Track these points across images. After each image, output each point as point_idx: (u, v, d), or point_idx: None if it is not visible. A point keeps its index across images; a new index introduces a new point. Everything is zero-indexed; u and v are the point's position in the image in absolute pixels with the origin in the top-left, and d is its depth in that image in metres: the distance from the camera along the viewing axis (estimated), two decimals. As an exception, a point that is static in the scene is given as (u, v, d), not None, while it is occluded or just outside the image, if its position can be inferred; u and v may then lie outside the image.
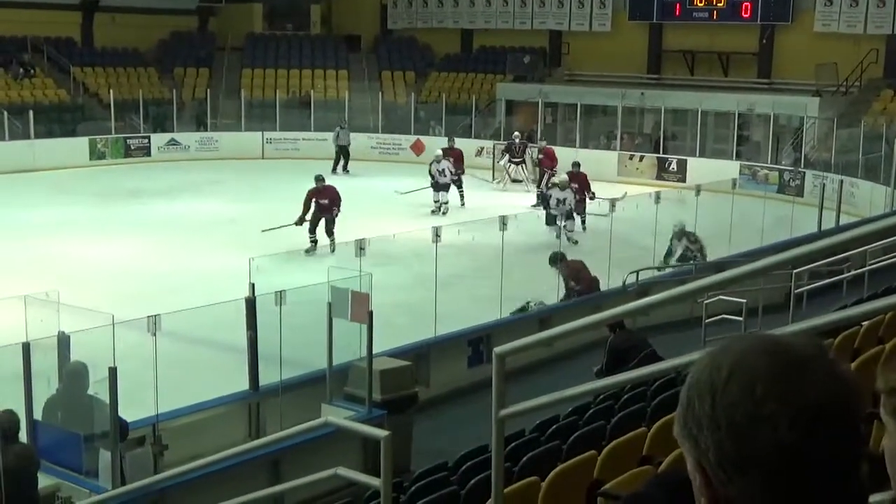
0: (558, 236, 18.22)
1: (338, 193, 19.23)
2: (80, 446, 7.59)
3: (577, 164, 22.61)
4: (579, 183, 21.22)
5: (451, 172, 23.18)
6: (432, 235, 12.38)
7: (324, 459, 7.72)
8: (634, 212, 16.51)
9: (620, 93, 30.95)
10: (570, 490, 5.28)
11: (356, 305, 9.15)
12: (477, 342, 12.01)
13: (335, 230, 18.57)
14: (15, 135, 30.00)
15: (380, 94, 35.22)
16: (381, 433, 4.69)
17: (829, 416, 1.26)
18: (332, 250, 16.83)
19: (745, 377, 1.28)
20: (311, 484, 6.11)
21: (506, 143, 29.16)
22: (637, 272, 14.38)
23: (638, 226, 16.90)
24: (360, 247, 11.14)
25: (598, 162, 29.47)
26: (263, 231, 18.01)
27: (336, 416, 7.49)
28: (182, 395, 9.62)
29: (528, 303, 13.70)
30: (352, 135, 31.51)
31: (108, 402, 7.55)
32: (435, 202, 23.16)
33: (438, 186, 23.23)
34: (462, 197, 24.34)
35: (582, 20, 34.87)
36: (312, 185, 19.49)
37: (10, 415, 7.05)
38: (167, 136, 32.74)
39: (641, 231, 16.86)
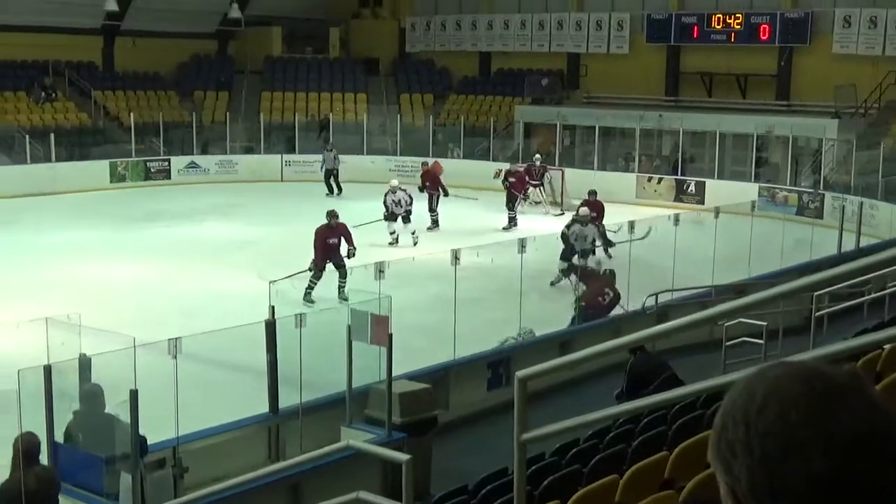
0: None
1: (348, 231, 17.38)
2: (101, 468, 7.61)
3: (593, 193, 21.65)
4: (598, 211, 20.46)
5: (406, 203, 21.68)
6: (451, 258, 12.39)
7: (343, 482, 7.72)
8: (653, 233, 16.49)
9: (638, 115, 30.98)
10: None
11: (376, 328, 9.16)
12: (496, 365, 11.99)
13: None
14: (36, 158, 30.24)
15: (398, 116, 35.34)
16: (402, 457, 4.69)
17: (864, 445, 1.25)
18: (344, 298, 14.86)
19: (780, 404, 1.28)
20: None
21: (525, 165, 29.20)
22: (656, 295, 14.34)
23: (657, 248, 16.87)
24: (380, 269, 11.17)
25: (616, 184, 29.50)
26: (272, 282, 16.84)
27: (356, 438, 7.49)
28: (202, 417, 9.65)
29: (507, 339, 13.37)
30: (371, 157, 31.65)
31: (127, 422, 7.58)
32: (391, 233, 21.47)
33: (391, 217, 21.64)
34: (435, 221, 24.16)
35: (600, 42, 34.94)
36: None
37: (31, 436, 7.07)
38: (187, 159, 32.95)
39: (660, 253, 16.83)
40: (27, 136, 30.39)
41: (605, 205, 21.45)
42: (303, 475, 8.09)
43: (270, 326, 9.45)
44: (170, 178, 32.51)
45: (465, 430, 10.94)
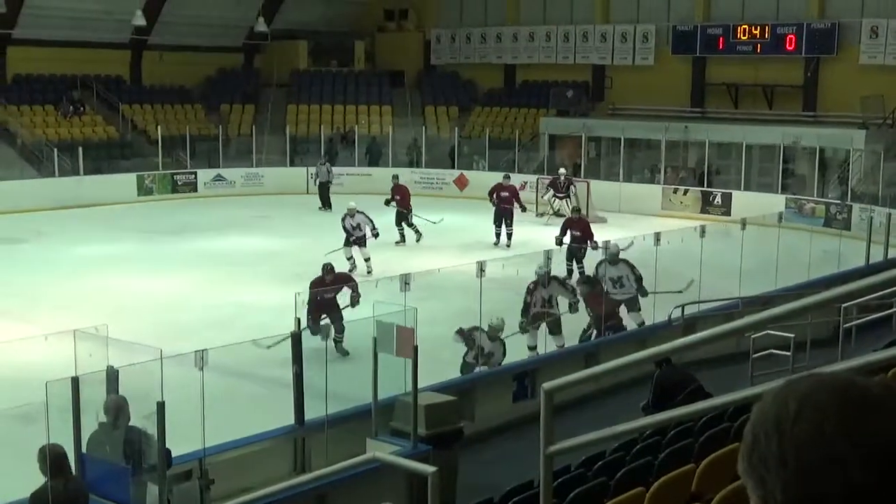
0: None
1: (350, 278, 15.52)
2: (128, 480, 7.64)
3: (577, 210, 21.68)
4: (583, 231, 19.51)
5: (368, 227, 20.37)
6: (476, 270, 12.39)
7: (369, 495, 7.74)
8: (679, 245, 16.42)
9: (664, 126, 30.91)
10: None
11: (401, 340, 9.16)
12: (522, 377, 11.97)
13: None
14: (64, 171, 30.50)
15: (423, 128, 35.41)
16: (428, 469, 4.68)
17: None
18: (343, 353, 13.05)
19: (814, 415, 1.26)
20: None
21: (550, 178, 29.20)
22: (682, 306, 14.28)
23: (683, 259, 16.79)
24: (405, 281, 11.17)
25: (641, 196, 29.47)
26: (269, 347, 16.03)
27: (381, 450, 7.49)
28: (228, 429, 9.68)
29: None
30: (396, 171, 31.64)
31: (153, 434, 7.60)
32: (348, 259, 20.03)
33: (355, 241, 20.39)
34: (418, 233, 23.83)
35: (625, 54, 34.91)
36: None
37: (57, 447, 7.11)
38: (213, 172, 33.14)
39: (687, 264, 16.75)
40: (55, 150, 30.65)
41: (631, 217, 21.43)
42: (329, 487, 8.09)
43: (296, 338, 9.47)
44: (196, 191, 32.71)
45: (490, 442, 10.92)
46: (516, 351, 13.27)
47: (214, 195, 32.17)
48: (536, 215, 27.70)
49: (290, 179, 32.50)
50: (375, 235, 20.35)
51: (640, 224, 24.04)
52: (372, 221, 20.51)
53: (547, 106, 35.38)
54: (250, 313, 16.45)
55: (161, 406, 7.40)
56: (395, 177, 25.64)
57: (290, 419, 9.75)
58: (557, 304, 14.46)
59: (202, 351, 8.39)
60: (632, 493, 5.61)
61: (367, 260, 20.12)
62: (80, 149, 30.77)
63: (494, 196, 23.91)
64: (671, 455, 6.87)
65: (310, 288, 14.15)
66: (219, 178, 33.17)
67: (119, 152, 33.34)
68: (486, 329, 12.73)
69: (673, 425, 7.80)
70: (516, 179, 28.88)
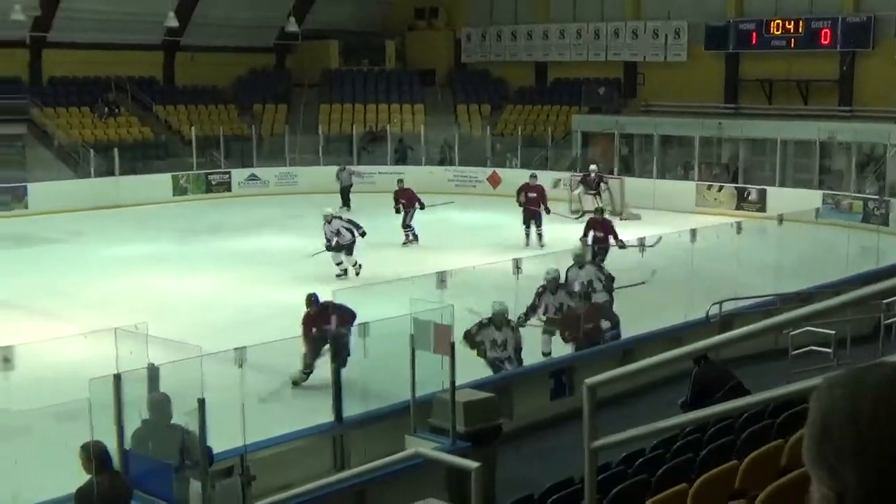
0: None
1: (348, 312, 12.19)
2: (171, 476, 7.71)
3: (600, 210, 20.90)
4: (606, 231, 19.27)
5: (349, 231, 19.86)
6: (513, 267, 12.39)
7: (408, 492, 7.74)
8: (715, 241, 16.35)
9: (698, 123, 30.75)
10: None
11: (438, 337, 9.18)
12: (559, 374, 11.96)
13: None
14: (101, 172, 30.77)
15: (455, 127, 35.42)
16: (472, 464, 4.69)
17: None
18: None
19: (892, 407, 1.26)
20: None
21: (581, 174, 29.13)
22: (720, 303, 14.20)
23: (719, 256, 16.72)
24: (442, 279, 11.18)
25: (675, 193, 29.32)
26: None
27: (421, 447, 7.50)
28: (268, 426, 9.74)
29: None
30: (429, 168, 31.74)
31: (195, 431, 7.66)
32: (338, 264, 19.66)
33: (338, 247, 19.81)
34: (410, 234, 23.57)
35: (657, 51, 34.74)
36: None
37: (99, 444, 7.18)
38: (247, 172, 33.32)
39: (723, 261, 16.68)
40: (91, 151, 30.95)
41: (665, 214, 21.27)
42: (368, 483, 8.11)
43: (334, 336, 9.51)
44: (230, 190, 32.91)
45: (528, 439, 10.91)
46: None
47: (248, 195, 32.35)
48: (571, 212, 27.63)
49: (324, 178, 32.54)
50: (362, 235, 20.10)
51: (674, 221, 23.94)
52: (354, 224, 20.08)
53: (579, 103, 35.29)
54: (285, 312, 16.51)
55: (202, 403, 7.45)
56: (400, 181, 25.39)
57: (328, 417, 9.79)
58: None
59: (241, 348, 8.45)
60: (675, 489, 5.59)
61: (354, 265, 19.66)
62: (116, 150, 31.04)
63: (522, 196, 23.82)
64: (712, 452, 6.84)
65: (304, 323, 12.82)
66: (252, 177, 33.35)
67: (154, 153, 33.59)
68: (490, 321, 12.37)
69: (713, 422, 7.77)
70: (547, 177, 28.85)
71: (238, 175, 33.21)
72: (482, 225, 24.96)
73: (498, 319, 12.37)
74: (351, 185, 29.96)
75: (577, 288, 14.51)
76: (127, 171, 31.13)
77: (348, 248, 19.74)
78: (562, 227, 24.51)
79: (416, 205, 23.79)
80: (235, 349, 8.66)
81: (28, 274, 20.62)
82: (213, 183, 32.81)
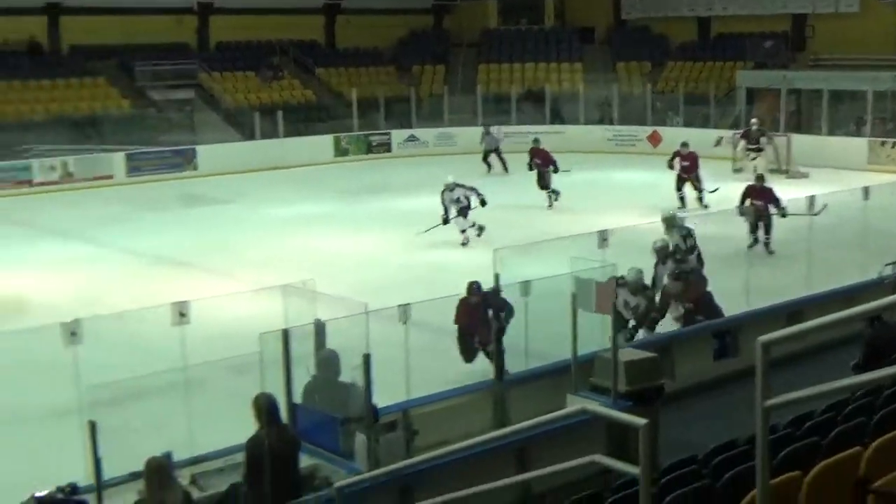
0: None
1: (505, 306, 10.82)
2: (337, 429, 7.89)
3: (760, 178, 19.17)
4: (692, 162, 21.04)
5: (467, 199, 19.72)
6: (675, 226, 12.15)
7: (568, 450, 7.72)
8: (890, 200, 15.67)
9: (870, 76, 29.45)
10: (835, 486, 5.07)
11: (601, 296, 9.09)
12: (723, 335, 11.70)
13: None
14: (265, 134, 31.61)
15: (615, 85, 34.91)
16: (640, 421, 4.64)
17: None
18: None
19: None
20: (556, 473, 6.10)
21: (743, 129, 28.34)
22: (893, 263, 13.62)
23: (894, 215, 16.04)
24: (603, 237, 11.07)
25: (846, 150, 28.25)
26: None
27: (587, 404, 7.46)
28: (430, 382, 9.87)
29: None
30: (586, 127, 31.37)
31: (361, 387, 7.81)
32: (462, 232, 19.53)
33: (460, 213, 19.71)
34: (553, 196, 23.22)
35: (828, 1, 33.38)
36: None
37: (270, 397, 7.40)
38: (406, 133, 33.66)
39: (893, 221, 16.01)
40: (257, 114, 31.80)
41: (834, 172, 20.39)
42: (529, 441, 8.14)
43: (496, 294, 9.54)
44: (390, 151, 33.36)
45: (690, 400, 10.74)
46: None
47: (408, 155, 32.71)
48: (733, 171, 26.93)
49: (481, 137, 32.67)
50: (482, 203, 19.89)
51: (844, 179, 23.06)
52: (476, 191, 19.93)
53: (744, 58, 34.29)
54: (445, 271, 16.66)
55: (367, 359, 7.58)
56: (536, 140, 25.18)
57: (489, 374, 9.85)
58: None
59: (405, 305, 8.55)
60: (848, 452, 5.41)
61: (463, 231, 19.53)
62: (280, 112, 31.81)
63: (675, 162, 23.26)
64: (887, 416, 6.59)
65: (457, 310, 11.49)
66: (412, 138, 33.71)
67: (316, 115, 34.28)
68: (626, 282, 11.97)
69: (889, 385, 7.49)
70: (709, 136, 28.19)
71: (397, 136, 33.62)
72: (641, 184, 24.58)
73: (634, 285, 12.10)
74: (497, 147, 29.62)
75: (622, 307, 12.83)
76: (290, 133, 31.89)
77: (463, 212, 19.63)
78: (726, 186, 23.94)
79: (551, 166, 23.59)
80: (399, 306, 8.78)
81: (199, 233, 21.43)
82: (374, 144, 33.32)
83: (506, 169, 28.54)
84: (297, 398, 8.28)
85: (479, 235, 19.34)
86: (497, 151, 29.39)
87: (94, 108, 31.28)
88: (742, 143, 27.45)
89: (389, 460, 7.52)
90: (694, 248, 14.12)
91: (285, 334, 8.17)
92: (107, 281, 17.33)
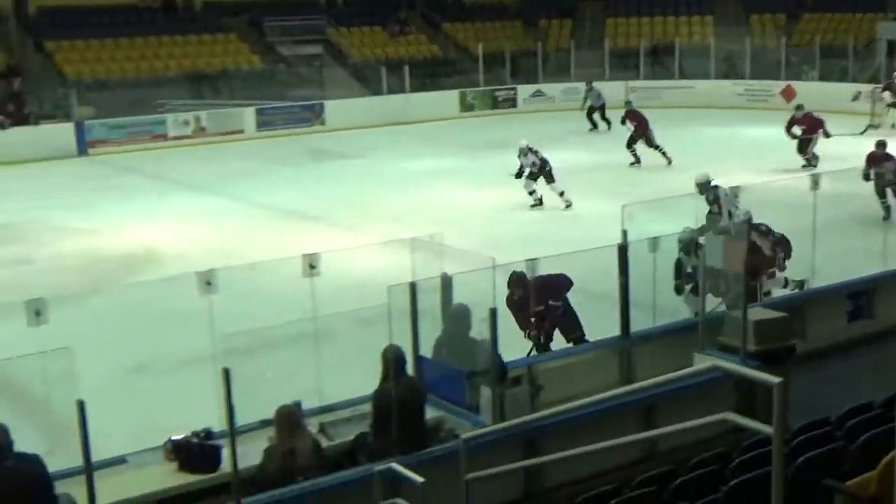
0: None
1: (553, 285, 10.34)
2: (463, 383, 7.94)
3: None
4: (810, 125, 20.31)
5: (537, 163, 19.08)
6: (810, 184, 11.82)
7: (695, 408, 7.63)
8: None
9: None
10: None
11: (730, 253, 8.92)
12: (858, 296, 11.37)
13: None
14: (392, 89, 31.80)
15: (747, 38, 33.98)
16: (773, 379, 4.53)
17: None
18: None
19: None
20: (683, 432, 6.03)
21: (885, 83, 27.31)
22: None
23: None
24: (734, 194, 10.84)
25: None
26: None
27: (719, 361, 7.36)
28: (556, 338, 9.85)
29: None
30: (716, 82, 30.64)
31: (486, 340, 7.83)
32: (530, 193, 19.19)
33: (541, 176, 19.19)
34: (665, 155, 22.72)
35: (977, -52, 31.86)
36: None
37: (397, 349, 7.49)
38: (532, 88, 33.45)
39: None
40: (383, 69, 31.99)
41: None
42: (655, 398, 8.06)
43: (623, 250, 9.43)
44: (515, 106, 33.22)
45: (822, 361, 10.49)
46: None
47: (534, 110, 32.51)
48: (870, 127, 26.01)
49: (609, 93, 32.21)
50: (549, 172, 19.20)
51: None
52: (544, 160, 19.21)
53: (884, 9, 32.95)
54: (572, 225, 16.59)
55: (493, 313, 7.60)
56: (629, 102, 24.83)
57: (615, 331, 9.78)
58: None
59: (532, 260, 8.53)
60: None
61: (531, 193, 19.12)
62: (406, 67, 31.94)
63: (794, 129, 22.55)
64: None
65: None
66: (538, 93, 33.50)
67: (442, 70, 34.32)
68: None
69: None
70: (846, 90, 27.21)
71: (523, 91, 33.42)
72: (773, 141, 23.88)
73: (686, 247, 11.33)
74: (602, 105, 28.98)
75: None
76: (416, 88, 32.02)
77: (549, 177, 19.16)
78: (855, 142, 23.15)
79: (647, 132, 23.09)
80: (527, 261, 8.76)
81: (327, 187, 21.74)
82: (499, 99, 33.22)
83: (609, 127, 28.10)
84: (424, 351, 8.36)
85: (567, 206, 18.94)
86: (601, 109, 28.89)
87: (225, 63, 31.94)
88: (886, 94, 26.44)
89: (514, 415, 7.54)
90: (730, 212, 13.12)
91: (413, 287, 8.23)
92: (237, 234, 17.75)
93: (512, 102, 33.32)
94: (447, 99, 32.37)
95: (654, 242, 9.34)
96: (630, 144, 23.15)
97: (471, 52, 34.47)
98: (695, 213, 10.01)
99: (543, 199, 19.12)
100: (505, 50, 33.84)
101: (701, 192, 13.48)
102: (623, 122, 23.76)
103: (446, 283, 8.43)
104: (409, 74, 31.76)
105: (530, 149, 19.29)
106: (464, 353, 8.08)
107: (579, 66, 34.01)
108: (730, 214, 12.90)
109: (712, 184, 13.41)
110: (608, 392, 7.09)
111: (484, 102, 33.00)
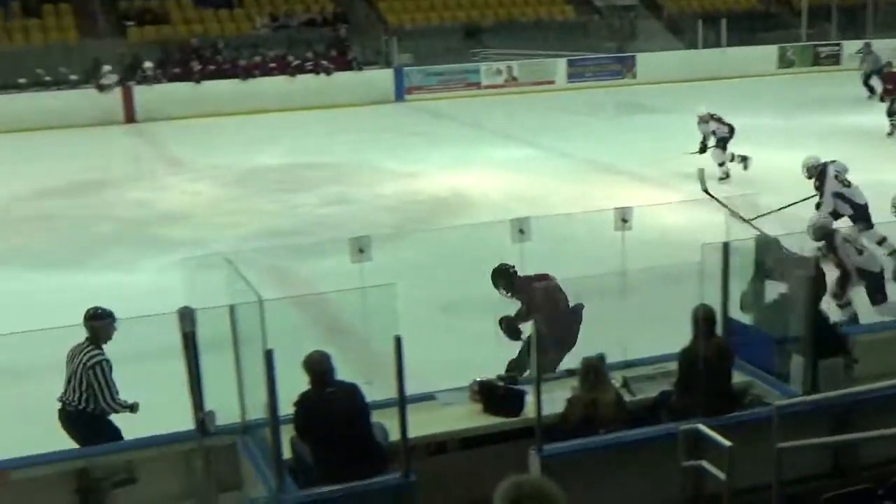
0: None
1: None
2: (772, 349, 7.71)
3: (889, 64, 16.35)
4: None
5: (720, 132, 17.87)
6: None
7: None
8: None
9: None
10: None
11: None
12: None
13: None
14: (708, 43, 31.00)
15: None
16: None
17: None
18: None
19: None
20: None
21: None
22: None
23: None
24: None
25: None
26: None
27: None
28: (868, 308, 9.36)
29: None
30: None
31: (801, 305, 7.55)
32: (720, 165, 17.77)
33: (718, 144, 18.01)
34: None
35: None
36: None
37: (708, 309, 7.32)
38: (860, 43, 31.56)
39: None
40: (700, 22, 31.19)
41: None
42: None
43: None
44: (839, 63, 31.51)
45: None
46: None
47: (857, 69, 30.65)
48: None
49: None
50: (731, 134, 17.87)
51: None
52: (729, 126, 17.98)
53: None
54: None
55: (811, 279, 7.32)
56: (889, 63, 22.66)
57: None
58: None
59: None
60: None
61: (721, 165, 17.71)
62: (724, 21, 31.00)
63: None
64: None
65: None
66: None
67: (762, 24, 33.07)
68: None
69: None
70: None
71: (849, 47, 31.60)
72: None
73: None
74: (881, 68, 24.84)
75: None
76: (734, 43, 31.04)
77: (721, 144, 17.92)
78: None
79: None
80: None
81: (636, 141, 21.55)
82: (821, 56, 31.64)
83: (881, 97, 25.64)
84: (734, 313, 8.17)
85: (745, 168, 17.65)
86: (880, 73, 25.30)
87: (539, 13, 32.17)
88: None
89: (827, 387, 7.26)
90: None
91: (726, 247, 8.04)
92: (544, 183, 17.95)
93: (835, 59, 31.64)
94: (765, 54, 31.20)
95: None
96: (890, 112, 21.15)
97: (793, 5, 32.96)
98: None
99: (747, 157, 17.86)
100: (832, 3, 32.10)
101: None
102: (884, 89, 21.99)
103: (766, 245, 8.19)
104: (727, 28, 30.80)
105: (711, 116, 18.14)
106: (773, 316, 7.84)
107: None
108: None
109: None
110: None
111: (804, 59, 31.53)
